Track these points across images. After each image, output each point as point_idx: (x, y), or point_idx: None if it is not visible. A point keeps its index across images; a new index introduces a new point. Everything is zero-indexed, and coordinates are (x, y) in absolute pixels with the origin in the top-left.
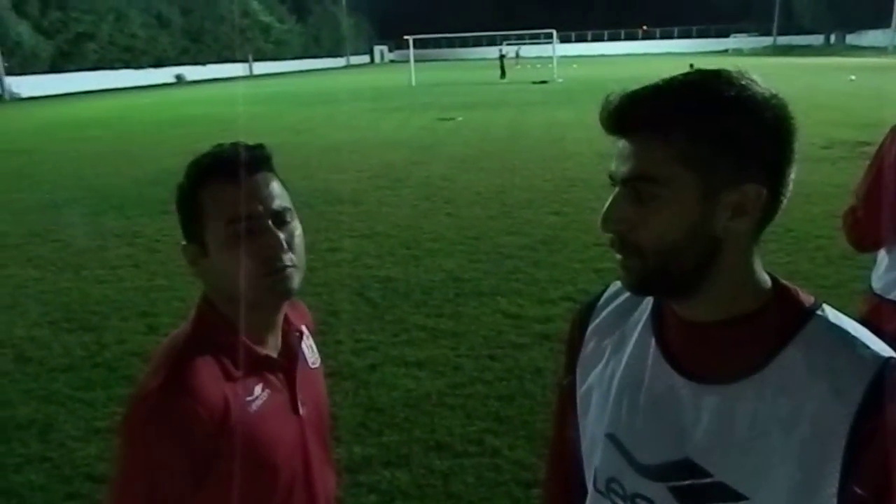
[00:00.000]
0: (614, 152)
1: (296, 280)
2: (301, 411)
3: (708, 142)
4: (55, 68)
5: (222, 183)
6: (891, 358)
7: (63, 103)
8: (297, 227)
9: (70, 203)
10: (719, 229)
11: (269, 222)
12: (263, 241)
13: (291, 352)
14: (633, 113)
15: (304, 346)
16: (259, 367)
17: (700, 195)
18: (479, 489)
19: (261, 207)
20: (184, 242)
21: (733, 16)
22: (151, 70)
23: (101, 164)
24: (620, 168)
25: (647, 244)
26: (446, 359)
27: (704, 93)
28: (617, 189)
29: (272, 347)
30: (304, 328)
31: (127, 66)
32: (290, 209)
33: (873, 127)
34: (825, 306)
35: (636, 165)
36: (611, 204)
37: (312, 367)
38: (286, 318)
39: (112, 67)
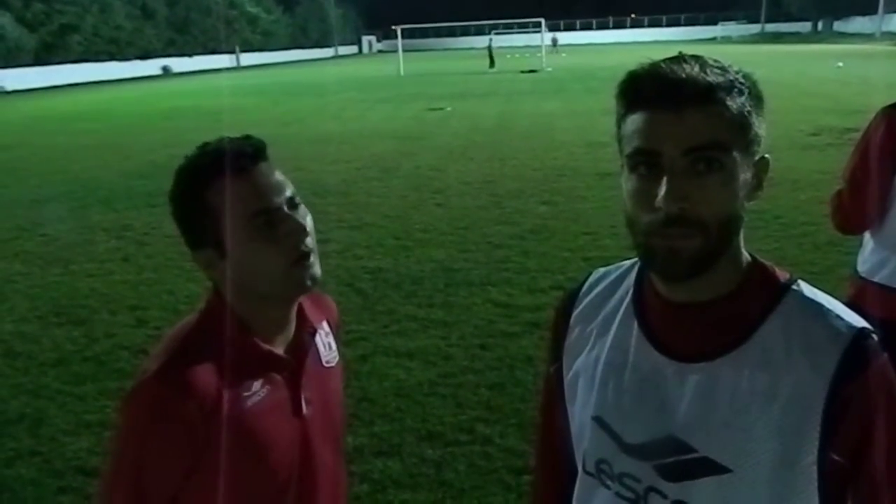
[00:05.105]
0: (637, 130)
1: (318, 267)
2: (305, 411)
3: (745, 112)
4: (39, 61)
5: (231, 180)
6: (864, 328)
7: (48, 96)
8: (306, 212)
9: (57, 197)
10: (744, 204)
11: (286, 209)
12: (288, 229)
13: (300, 349)
14: (694, 84)
15: (319, 343)
16: (262, 364)
17: (748, 164)
18: (470, 477)
19: (277, 197)
20: (194, 251)
21: (721, 3)
22: (137, 62)
23: (88, 157)
24: (674, 141)
25: (711, 217)
26: (437, 348)
27: (727, 68)
28: (667, 166)
29: (281, 344)
30: (324, 324)
31: (112, 59)
32: (296, 195)
33: (861, 113)
34: (800, 281)
35: (704, 133)
36: (672, 180)
37: (327, 365)
38: (301, 314)
39: (97, 59)
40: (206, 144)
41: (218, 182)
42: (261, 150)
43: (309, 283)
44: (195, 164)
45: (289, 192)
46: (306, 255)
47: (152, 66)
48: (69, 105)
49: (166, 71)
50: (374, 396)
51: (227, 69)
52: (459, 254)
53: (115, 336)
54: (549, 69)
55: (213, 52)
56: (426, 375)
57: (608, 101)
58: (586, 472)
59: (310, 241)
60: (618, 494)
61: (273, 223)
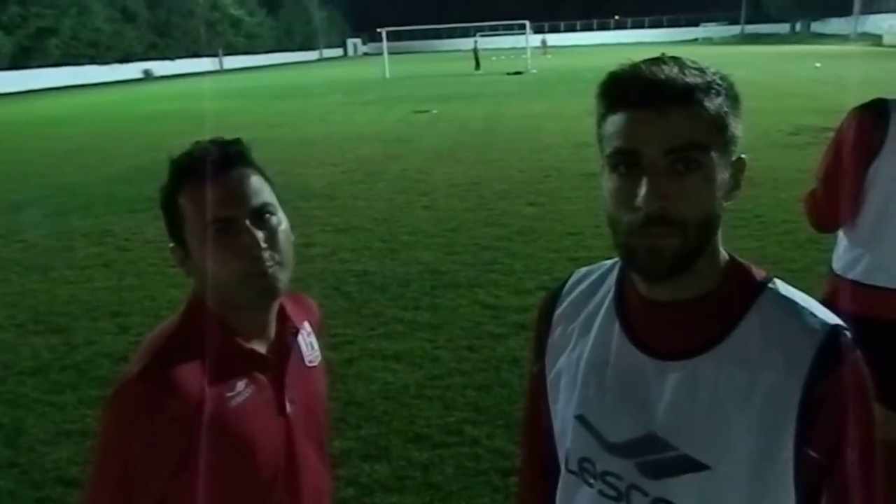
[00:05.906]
0: (618, 131)
1: (281, 279)
2: (288, 410)
3: (723, 113)
4: (16, 65)
5: (197, 185)
6: (837, 325)
7: (26, 100)
8: (280, 222)
9: (36, 202)
10: (722, 203)
11: (247, 222)
12: (241, 243)
13: (283, 349)
14: (673, 84)
15: (302, 343)
16: (244, 364)
17: (725, 164)
18: (458, 479)
19: (236, 208)
20: (171, 244)
21: (703, 5)
22: (118, 65)
23: (67, 162)
24: (654, 141)
25: (690, 217)
26: (424, 351)
27: (705, 69)
28: (648, 165)
29: (262, 344)
30: (306, 324)
31: (92, 62)
32: (269, 203)
33: (839, 113)
34: (776, 279)
35: (684, 134)
36: (652, 179)
37: (309, 365)
38: (283, 314)
39: (77, 63)
40: (196, 143)
41: (188, 185)
42: (236, 156)
43: (267, 294)
44: (176, 163)
45: (257, 203)
46: (261, 272)
47: (133, 70)
48: (48, 109)
49: (148, 74)
50: (361, 399)
51: (210, 72)
52: (446, 256)
53: (95, 343)
54: (534, 71)
55: (196, 55)
56: (413, 378)
57: (593, 102)
58: (569, 471)
59: (268, 256)
60: (600, 493)
61: (230, 233)
